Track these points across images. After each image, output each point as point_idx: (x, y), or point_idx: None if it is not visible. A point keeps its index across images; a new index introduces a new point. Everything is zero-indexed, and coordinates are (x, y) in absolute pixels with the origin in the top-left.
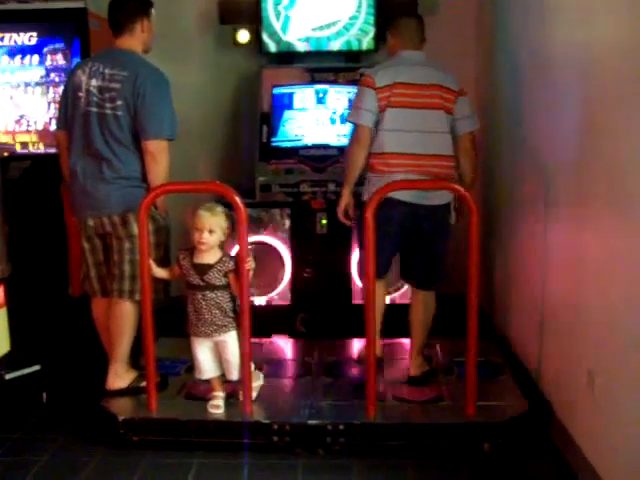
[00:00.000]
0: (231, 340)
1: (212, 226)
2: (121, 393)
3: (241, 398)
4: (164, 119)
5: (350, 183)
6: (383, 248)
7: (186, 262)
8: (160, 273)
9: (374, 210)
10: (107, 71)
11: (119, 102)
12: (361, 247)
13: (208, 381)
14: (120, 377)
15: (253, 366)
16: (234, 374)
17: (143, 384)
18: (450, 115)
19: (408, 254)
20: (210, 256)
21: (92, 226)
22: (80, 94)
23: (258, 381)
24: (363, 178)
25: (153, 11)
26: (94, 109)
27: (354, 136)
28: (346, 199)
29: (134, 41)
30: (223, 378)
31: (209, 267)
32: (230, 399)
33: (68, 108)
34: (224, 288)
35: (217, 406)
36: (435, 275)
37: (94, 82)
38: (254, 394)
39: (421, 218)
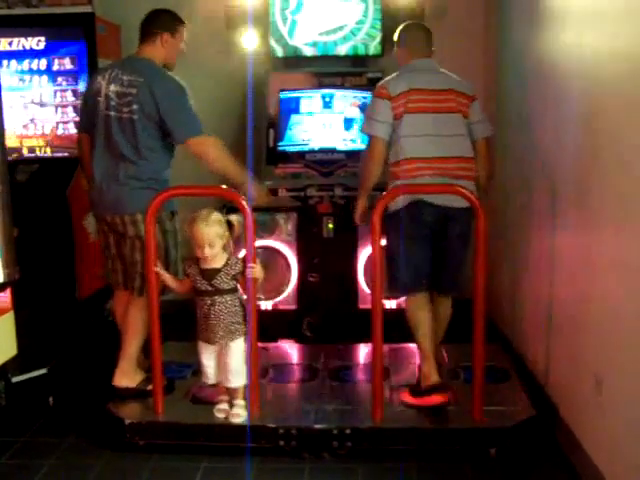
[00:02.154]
0: (236, 347)
1: (210, 239)
2: (127, 395)
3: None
4: (187, 120)
5: (366, 191)
6: (415, 253)
7: (193, 270)
8: (169, 281)
9: (381, 214)
10: (125, 77)
11: (135, 106)
12: (388, 260)
13: (215, 385)
14: (126, 375)
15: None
16: (232, 381)
17: (150, 387)
18: (466, 119)
19: (433, 258)
20: (217, 261)
21: (111, 223)
22: (99, 99)
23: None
24: (382, 184)
25: (182, 31)
26: (112, 113)
27: (368, 149)
28: (362, 207)
29: (154, 52)
30: None
31: (217, 271)
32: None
33: (89, 112)
34: (233, 292)
35: (224, 410)
36: (457, 280)
37: (112, 87)
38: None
39: (449, 220)
